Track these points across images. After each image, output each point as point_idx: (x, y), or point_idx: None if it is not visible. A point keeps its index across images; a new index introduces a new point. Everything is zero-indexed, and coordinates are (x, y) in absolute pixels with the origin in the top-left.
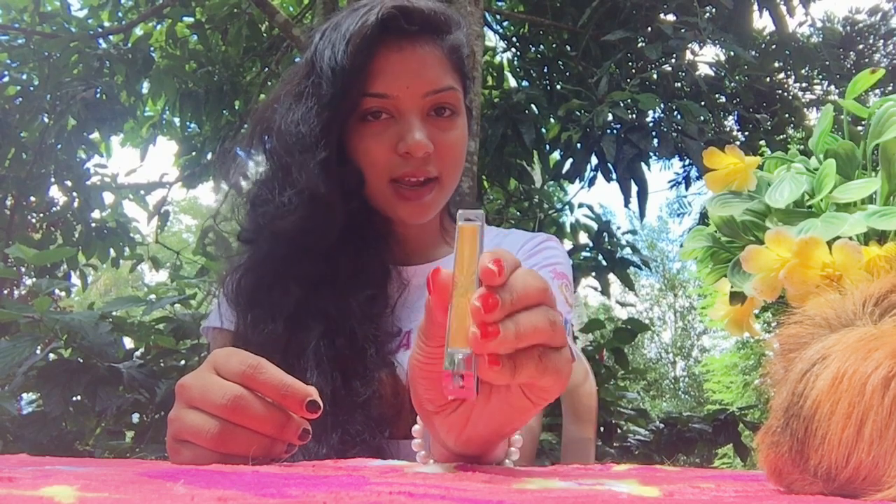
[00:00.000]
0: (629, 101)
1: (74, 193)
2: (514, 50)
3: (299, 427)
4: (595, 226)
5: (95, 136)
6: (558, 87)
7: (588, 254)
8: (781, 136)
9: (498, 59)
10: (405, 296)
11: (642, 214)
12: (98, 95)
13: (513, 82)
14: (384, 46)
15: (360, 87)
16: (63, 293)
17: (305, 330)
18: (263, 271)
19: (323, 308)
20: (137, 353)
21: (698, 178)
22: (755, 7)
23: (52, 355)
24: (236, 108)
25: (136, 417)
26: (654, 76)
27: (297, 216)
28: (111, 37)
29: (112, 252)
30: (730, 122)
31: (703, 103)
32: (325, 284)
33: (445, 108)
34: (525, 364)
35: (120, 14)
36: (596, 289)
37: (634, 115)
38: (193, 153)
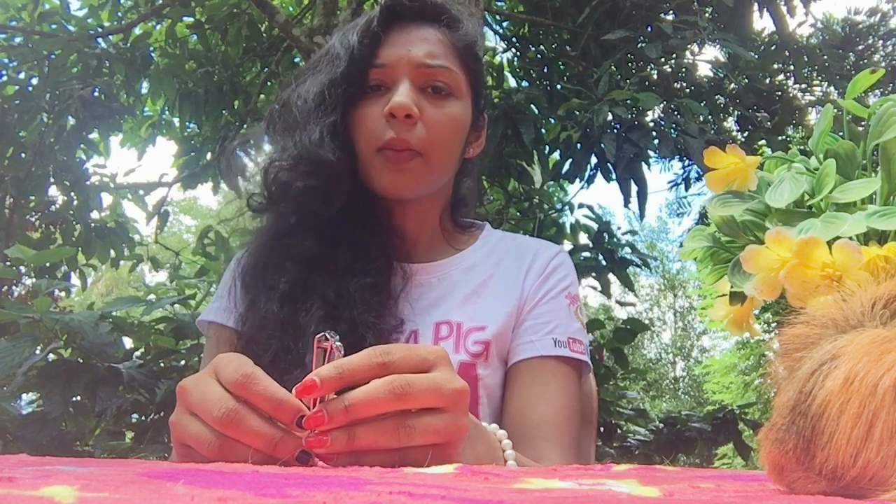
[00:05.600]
0: (629, 100)
1: (73, 193)
2: (513, 50)
3: (296, 447)
4: (595, 226)
5: (94, 135)
6: (558, 87)
7: (588, 254)
8: (781, 136)
9: (498, 59)
10: (407, 290)
11: (642, 214)
12: (97, 95)
13: (513, 82)
14: (390, 29)
15: (366, 61)
16: (63, 293)
17: (304, 313)
18: (265, 250)
19: (322, 292)
20: (137, 354)
21: (698, 178)
22: (755, 7)
23: (51, 355)
24: (236, 108)
25: (135, 417)
26: (654, 76)
27: (301, 171)
28: (110, 36)
29: (112, 252)
30: (730, 122)
31: (703, 103)
32: (324, 267)
33: (442, 88)
34: (365, 435)
35: (119, 14)
36: (596, 289)
37: (634, 115)
38: (192, 153)
